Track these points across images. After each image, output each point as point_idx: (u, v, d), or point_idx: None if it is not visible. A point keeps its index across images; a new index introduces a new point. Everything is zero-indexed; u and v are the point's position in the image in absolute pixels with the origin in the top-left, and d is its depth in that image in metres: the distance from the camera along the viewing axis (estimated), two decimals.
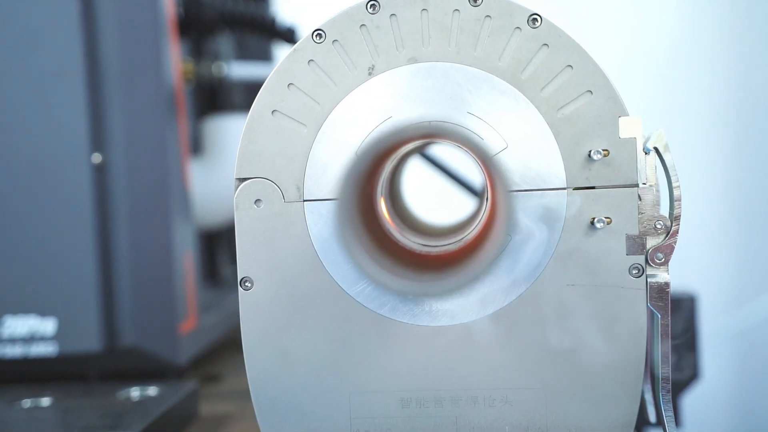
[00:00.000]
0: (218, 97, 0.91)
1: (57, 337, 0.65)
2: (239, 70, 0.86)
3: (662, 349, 0.48)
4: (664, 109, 1.25)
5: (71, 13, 0.64)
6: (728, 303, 1.24)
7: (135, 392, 0.61)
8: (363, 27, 0.47)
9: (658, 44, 1.25)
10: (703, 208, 1.25)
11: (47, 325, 0.65)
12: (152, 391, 0.60)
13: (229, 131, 0.86)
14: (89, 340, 0.65)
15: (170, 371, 0.68)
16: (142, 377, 0.66)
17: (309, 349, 0.48)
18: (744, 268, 1.25)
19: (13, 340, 0.65)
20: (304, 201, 0.48)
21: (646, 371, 0.49)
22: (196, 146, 0.86)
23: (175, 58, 0.70)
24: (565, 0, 1.23)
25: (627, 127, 0.47)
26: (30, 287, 0.65)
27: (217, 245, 0.93)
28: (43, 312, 0.65)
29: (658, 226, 0.47)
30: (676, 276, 0.48)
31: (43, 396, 0.61)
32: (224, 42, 0.92)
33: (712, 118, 1.25)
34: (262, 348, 0.48)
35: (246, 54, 1.02)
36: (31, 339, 0.65)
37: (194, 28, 0.78)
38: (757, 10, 1.22)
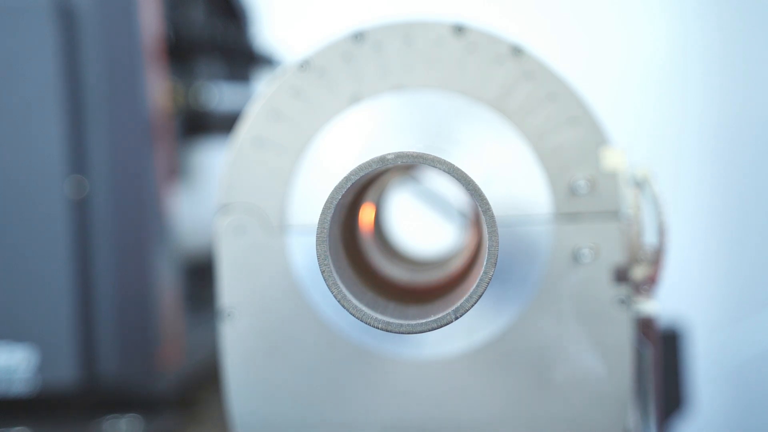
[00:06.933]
0: (206, 123, 0.91)
1: (34, 369, 0.64)
2: (226, 94, 0.85)
3: (649, 381, 0.47)
4: (652, 135, 1.25)
5: (53, 38, 0.64)
6: (717, 329, 1.24)
7: (115, 424, 0.60)
8: (348, 57, 0.47)
9: (648, 71, 1.26)
10: (691, 233, 1.25)
11: (24, 357, 0.64)
12: (133, 423, 0.59)
13: (219, 157, 0.86)
14: (68, 372, 0.64)
15: (151, 402, 0.67)
16: (123, 409, 0.65)
17: (291, 380, 0.47)
18: (733, 293, 1.25)
19: None
20: (286, 230, 0.47)
21: (632, 402, 0.48)
22: (186, 172, 0.86)
23: (160, 83, 0.70)
24: (555, 25, 1.24)
25: (611, 157, 0.46)
26: (6, 318, 0.64)
27: (203, 273, 0.92)
28: (19, 344, 0.64)
29: (644, 256, 0.47)
30: (666, 303, 0.48)
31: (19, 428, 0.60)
32: (212, 66, 0.92)
33: (702, 143, 1.25)
34: (243, 379, 0.48)
35: (232, 78, 1.02)
36: (6, 371, 0.64)
37: (178, 53, 0.78)
38: (748, 35, 1.23)
